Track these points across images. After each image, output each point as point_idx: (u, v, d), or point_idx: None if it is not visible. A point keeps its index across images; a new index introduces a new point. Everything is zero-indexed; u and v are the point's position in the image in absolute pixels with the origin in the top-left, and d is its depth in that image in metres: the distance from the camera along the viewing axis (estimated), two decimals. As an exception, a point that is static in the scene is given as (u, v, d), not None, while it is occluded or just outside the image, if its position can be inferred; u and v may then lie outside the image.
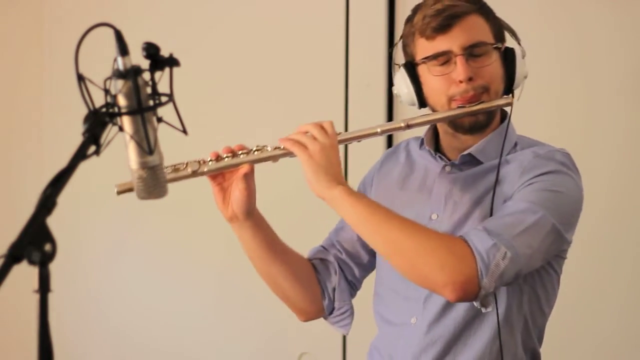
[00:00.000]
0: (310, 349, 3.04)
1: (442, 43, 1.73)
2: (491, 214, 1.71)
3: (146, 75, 1.34)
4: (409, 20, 1.80)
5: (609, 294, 2.72)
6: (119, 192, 1.71)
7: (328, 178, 1.67)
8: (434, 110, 1.80)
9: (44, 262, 1.13)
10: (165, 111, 1.37)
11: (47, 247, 1.13)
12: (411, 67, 1.79)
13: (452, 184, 1.80)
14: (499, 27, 1.80)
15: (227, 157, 1.75)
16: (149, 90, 1.35)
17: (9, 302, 2.96)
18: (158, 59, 1.34)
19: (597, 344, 2.74)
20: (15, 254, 1.12)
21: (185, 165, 1.72)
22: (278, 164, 1.80)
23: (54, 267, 1.15)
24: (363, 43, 3.03)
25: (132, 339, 3.28)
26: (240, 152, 1.76)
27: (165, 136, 1.41)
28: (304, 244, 1.98)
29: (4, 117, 3.37)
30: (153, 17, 3.22)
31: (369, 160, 2.05)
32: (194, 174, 1.72)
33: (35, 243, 1.13)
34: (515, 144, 1.81)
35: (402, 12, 2.96)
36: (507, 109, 1.81)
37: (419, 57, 1.77)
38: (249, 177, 1.76)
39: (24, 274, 1.23)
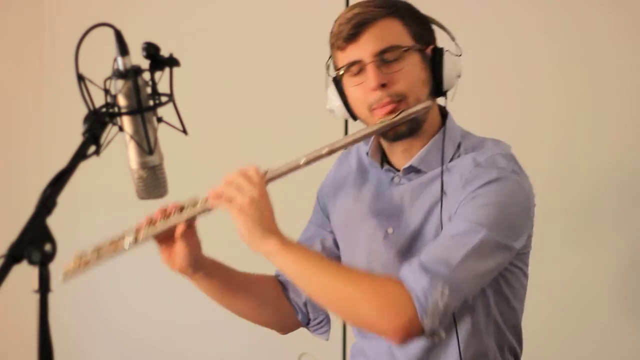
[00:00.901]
0: (310, 349, 3.04)
1: (353, 52, 1.69)
2: (441, 227, 1.68)
3: (146, 75, 1.34)
4: (331, 32, 1.76)
5: (598, 293, 2.71)
6: (65, 278, 1.73)
7: (261, 232, 1.62)
8: (364, 123, 1.76)
9: (44, 262, 1.13)
10: (165, 111, 1.37)
11: (47, 247, 1.14)
12: (337, 81, 1.75)
13: (402, 195, 1.77)
14: (422, 28, 1.73)
15: (159, 222, 1.72)
16: (149, 90, 1.35)
17: (9, 302, 2.96)
18: (158, 59, 1.34)
19: (586, 343, 2.74)
20: (15, 254, 1.12)
21: (121, 238, 1.71)
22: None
23: (54, 267, 1.15)
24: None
25: (132, 339, 3.27)
26: (174, 211, 1.72)
27: (165, 136, 1.41)
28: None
29: (4, 117, 3.37)
30: (153, 17, 3.22)
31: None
32: (132, 245, 1.72)
33: (35, 243, 1.13)
34: (459, 146, 1.76)
35: (402, 12, 2.96)
36: (445, 106, 1.76)
37: (337, 68, 1.74)
38: (187, 234, 1.74)
39: (24, 274, 1.23)
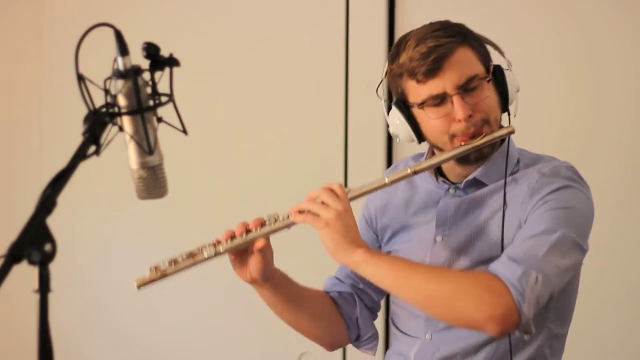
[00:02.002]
0: (310, 349, 3.04)
1: (434, 86, 1.71)
2: (502, 235, 1.71)
3: (146, 75, 1.34)
4: (394, 59, 1.76)
5: (612, 299, 2.71)
6: (139, 286, 1.74)
7: (347, 244, 1.67)
8: (435, 147, 1.79)
9: (44, 262, 1.13)
10: (166, 111, 1.37)
11: (47, 247, 1.14)
12: (404, 107, 1.77)
13: (457, 206, 1.80)
14: (483, 50, 1.77)
15: (239, 236, 1.74)
16: (149, 90, 1.35)
17: (9, 302, 2.96)
18: (158, 59, 1.34)
19: (599, 349, 2.74)
20: (15, 254, 1.12)
21: (200, 250, 1.74)
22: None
23: (54, 267, 1.15)
24: (363, 43, 3.02)
25: (132, 339, 3.27)
26: (253, 227, 1.74)
27: (165, 136, 1.41)
28: (317, 271, 1.97)
29: (4, 117, 3.37)
30: (153, 17, 3.22)
31: (369, 162, 2.04)
32: (210, 257, 1.74)
33: (35, 243, 1.13)
34: (518, 161, 1.81)
35: (402, 12, 2.96)
36: (504, 122, 1.80)
37: (412, 99, 1.75)
38: (265, 248, 1.76)
39: (24, 274, 1.23)
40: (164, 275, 1.74)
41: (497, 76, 1.76)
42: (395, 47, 1.77)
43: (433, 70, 1.70)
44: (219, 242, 1.74)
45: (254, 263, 1.77)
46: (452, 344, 1.77)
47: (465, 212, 1.79)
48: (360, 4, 3.01)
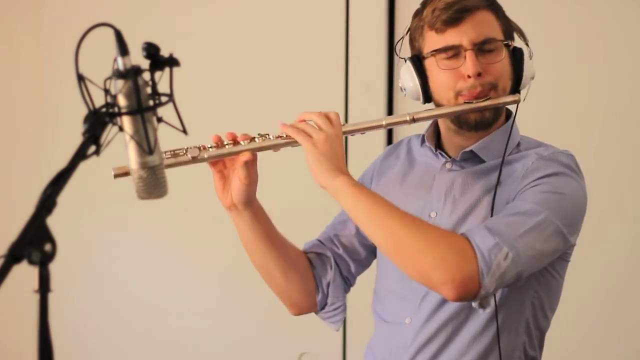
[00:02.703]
0: (310, 349, 3.04)
1: (452, 36, 1.71)
2: (492, 214, 1.69)
3: (146, 75, 1.34)
4: (418, 13, 1.78)
5: (606, 296, 2.72)
6: (116, 176, 1.67)
7: (331, 167, 1.65)
8: (438, 106, 1.78)
9: (44, 262, 1.13)
10: (166, 111, 1.37)
11: (47, 247, 1.13)
12: (417, 61, 1.77)
13: (452, 181, 1.79)
14: (508, 26, 1.78)
15: (228, 143, 1.72)
16: (149, 90, 1.35)
17: (9, 302, 2.96)
18: (158, 59, 1.34)
19: (592, 347, 2.74)
20: (15, 254, 1.12)
21: (185, 151, 1.70)
22: (280, 156, 1.79)
23: (54, 267, 1.15)
24: (363, 43, 3.03)
25: (133, 339, 3.27)
26: (241, 140, 1.73)
27: (165, 136, 1.41)
28: (301, 236, 1.97)
29: (4, 117, 3.37)
30: (153, 17, 3.22)
31: (369, 153, 2.04)
32: (194, 160, 1.70)
33: (35, 243, 1.13)
34: (518, 144, 1.80)
35: (402, 12, 2.96)
36: (512, 108, 1.80)
37: (427, 50, 1.75)
38: (250, 166, 1.74)
39: (24, 274, 1.23)
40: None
41: (516, 55, 1.76)
42: (421, 4, 1.78)
43: (454, 20, 1.71)
44: (204, 147, 1.71)
45: (236, 182, 1.75)
46: (432, 327, 1.75)
47: (460, 189, 1.77)
48: (360, 4, 3.01)
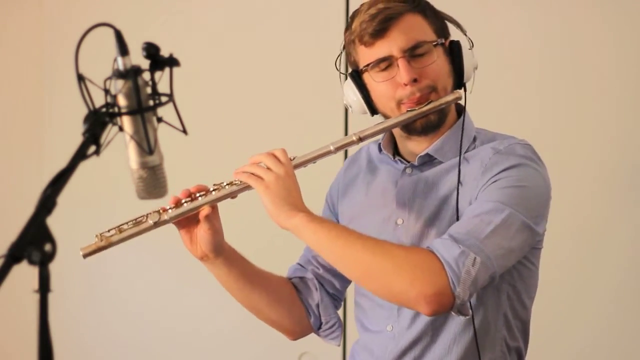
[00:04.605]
0: (310, 349, 3.04)
1: (381, 48, 1.70)
2: (457, 216, 1.69)
3: (146, 75, 1.34)
4: (348, 28, 1.77)
5: (597, 291, 2.71)
6: (85, 256, 1.72)
7: (288, 207, 1.65)
8: (385, 117, 1.77)
9: (44, 262, 1.13)
10: (166, 111, 1.37)
11: (47, 247, 1.13)
12: (357, 76, 1.76)
13: (414, 186, 1.78)
14: (440, 22, 1.76)
15: (185, 201, 1.72)
16: (149, 90, 1.35)
17: (9, 302, 2.96)
18: (158, 59, 1.34)
19: (584, 342, 2.74)
20: (15, 254, 1.12)
21: (145, 218, 1.71)
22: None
23: (54, 267, 1.15)
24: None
25: (132, 339, 3.27)
26: (198, 194, 1.72)
27: (165, 136, 1.41)
28: (283, 262, 1.97)
29: (4, 117, 3.37)
30: (153, 17, 3.22)
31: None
32: (156, 224, 1.71)
33: (35, 243, 1.13)
34: (475, 139, 1.78)
35: (402, 12, 2.96)
36: (461, 101, 1.78)
37: (361, 64, 1.74)
38: (211, 217, 1.73)
39: (24, 274, 1.23)
40: (110, 243, 1.70)
41: (453, 50, 1.75)
42: (350, 18, 1.77)
43: (380, 31, 1.69)
44: (165, 210, 1.71)
45: (202, 234, 1.74)
46: (413, 332, 1.75)
47: (423, 193, 1.76)
48: (360, 4, 3.01)
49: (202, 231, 1.74)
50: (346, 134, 2.98)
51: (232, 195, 1.72)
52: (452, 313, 1.64)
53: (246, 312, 3.16)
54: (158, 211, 1.71)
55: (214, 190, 1.73)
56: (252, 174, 1.68)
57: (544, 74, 2.77)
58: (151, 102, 1.35)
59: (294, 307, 1.90)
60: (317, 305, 1.90)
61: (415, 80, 1.69)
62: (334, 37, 3.03)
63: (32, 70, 3.37)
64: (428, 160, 1.78)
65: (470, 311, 1.65)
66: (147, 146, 1.36)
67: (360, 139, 1.73)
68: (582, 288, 2.69)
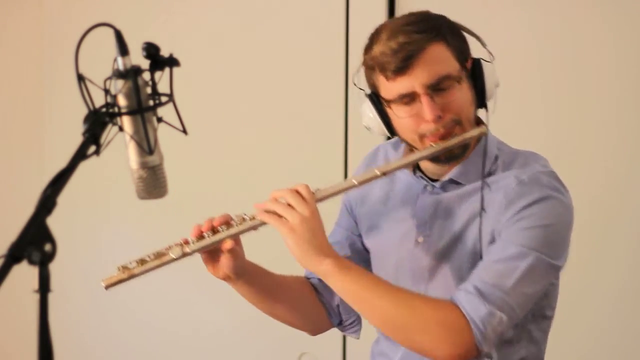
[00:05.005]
0: (310, 349, 3.04)
1: (403, 84, 1.65)
2: (480, 244, 1.68)
3: (146, 75, 1.34)
4: (368, 50, 1.71)
5: (597, 291, 2.71)
6: (107, 287, 1.71)
7: (314, 252, 1.63)
8: (405, 142, 1.76)
9: (44, 262, 1.13)
10: (166, 111, 1.37)
11: (47, 247, 1.14)
12: (376, 99, 1.72)
13: (436, 205, 1.76)
14: (460, 43, 1.70)
15: (207, 234, 1.71)
16: (149, 90, 1.35)
17: (9, 302, 2.96)
18: (158, 59, 1.34)
19: (584, 342, 2.74)
20: (15, 254, 1.12)
21: (167, 250, 1.71)
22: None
23: (54, 267, 1.15)
24: (363, 43, 3.02)
25: (132, 338, 3.27)
26: (220, 227, 1.71)
27: (165, 136, 1.41)
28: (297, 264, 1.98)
29: (4, 117, 3.37)
30: (153, 17, 3.22)
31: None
32: (178, 258, 1.71)
33: (35, 243, 1.13)
34: (496, 158, 1.75)
35: (402, 12, 2.96)
36: (482, 115, 1.76)
37: (383, 94, 1.69)
38: (233, 247, 1.73)
39: (24, 274, 1.23)
40: (131, 275, 1.72)
41: (475, 71, 1.70)
42: (370, 38, 1.72)
43: (402, 68, 1.63)
44: (187, 242, 1.70)
45: (225, 261, 1.74)
46: None
47: (445, 213, 1.75)
48: (360, 4, 3.01)
49: (224, 258, 1.74)
50: (346, 133, 2.98)
51: (254, 228, 1.71)
52: None
53: (246, 312, 3.16)
54: (180, 244, 1.71)
55: (236, 223, 1.71)
56: (275, 213, 1.65)
57: (544, 73, 2.77)
58: (151, 102, 1.35)
59: (314, 309, 1.90)
60: (338, 306, 1.91)
61: (439, 117, 1.65)
62: (334, 37, 3.05)
63: (32, 70, 3.37)
64: (452, 183, 1.76)
65: (495, 356, 1.69)
66: (147, 146, 1.36)
67: (384, 174, 1.71)
68: (582, 288, 2.69)
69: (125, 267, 1.71)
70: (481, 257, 1.68)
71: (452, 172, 1.74)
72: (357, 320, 1.93)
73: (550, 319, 1.81)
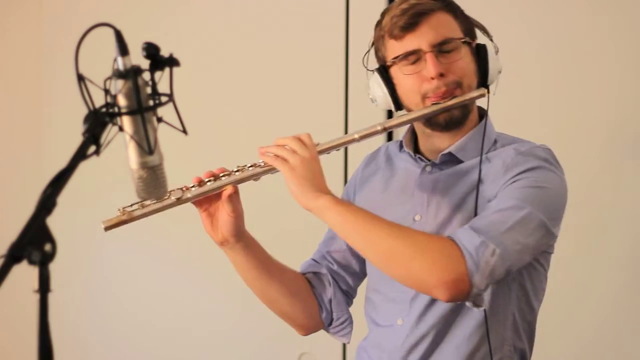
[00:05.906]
0: (310, 349, 3.04)
1: (410, 42, 1.74)
2: (475, 213, 1.71)
3: (146, 75, 1.34)
4: (378, 24, 1.81)
5: (597, 292, 2.72)
6: (106, 229, 1.71)
7: (313, 189, 1.67)
8: (408, 109, 1.81)
9: (44, 262, 1.13)
10: (166, 111, 1.37)
11: (47, 247, 1.14)
12: (384, 71, 1.80)
13: (434, 184, 1.81)
14: (468, 24, 1.80)
15: (209, 181, 1.75)
16: (149, 90, 1.35)
17: (9, 302, 2.96)
18: (158, 59, 1.34)
19: (585, 343, 2.74)
20: (15, 254, 1.12)
21: (168, 194, 1.72)
22: (261, 184, 1.80)
23: (54, 267, 1.15)
24: (363, 43, 3.02)
25: (132, 338, 3.28)
26: (221, 174, 1.76)
27: (165, 136, 1.41)
28: (295, 258, 1.99)
29: (4, 117, 3.37)
30: (153, 17, 3.22)
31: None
32: (179, 201, 1.73)
33: (35, 243, 1.13)
34: (495, 141, 1.82)
35: (402, 12, 2.96)
36: (483, 103, 1.81)
37: (389, 58, 1.78)
38: (234, 199, 1.77)
39: (24, 274, 1.23)
40: (132, 217, 1.71)
41: (480, 52, 1.79)
42: (381, 15, 1.82)
43: (410, 25, 1.73)
44: (187, 188, 1.74)
45: (224, 217, 1.77)
46: (423, 327, 1.77)
47: (443, 190, 1.79)
48: (360, 3, 3.01)
49: (224, 214, 1.77)
50: (347, 132, 2.98)
51: (256, 177, 1.75)
52: (467, 304, 1.68)
53: (246, 312, 3.17)
54: (181, 188, 1.73)
55: (237, 171, 1.75)
56: (277, 155, 1.71)
57: (544, 74, 2.77)
58: (151, 102, 1.35)
59: (308, 300, 1.93)
60: (330, 301, 1.93)
61: (441, 75, 1.73)
62: (334, 37, 3.05)
63: (32, 70, 3.37)
64: (449, 159, 1.81)
65: (484, 303, 1.68)
66: (147, 146, 1.36)
67: (385, 129, 1.77)
68: (581, 288, 2.69)
69: (125, 209, 1.72)
70: None
71: (452, 147, 1.80)
72: (348, 321, 1.95)
73: (534, 310, 1.82)
